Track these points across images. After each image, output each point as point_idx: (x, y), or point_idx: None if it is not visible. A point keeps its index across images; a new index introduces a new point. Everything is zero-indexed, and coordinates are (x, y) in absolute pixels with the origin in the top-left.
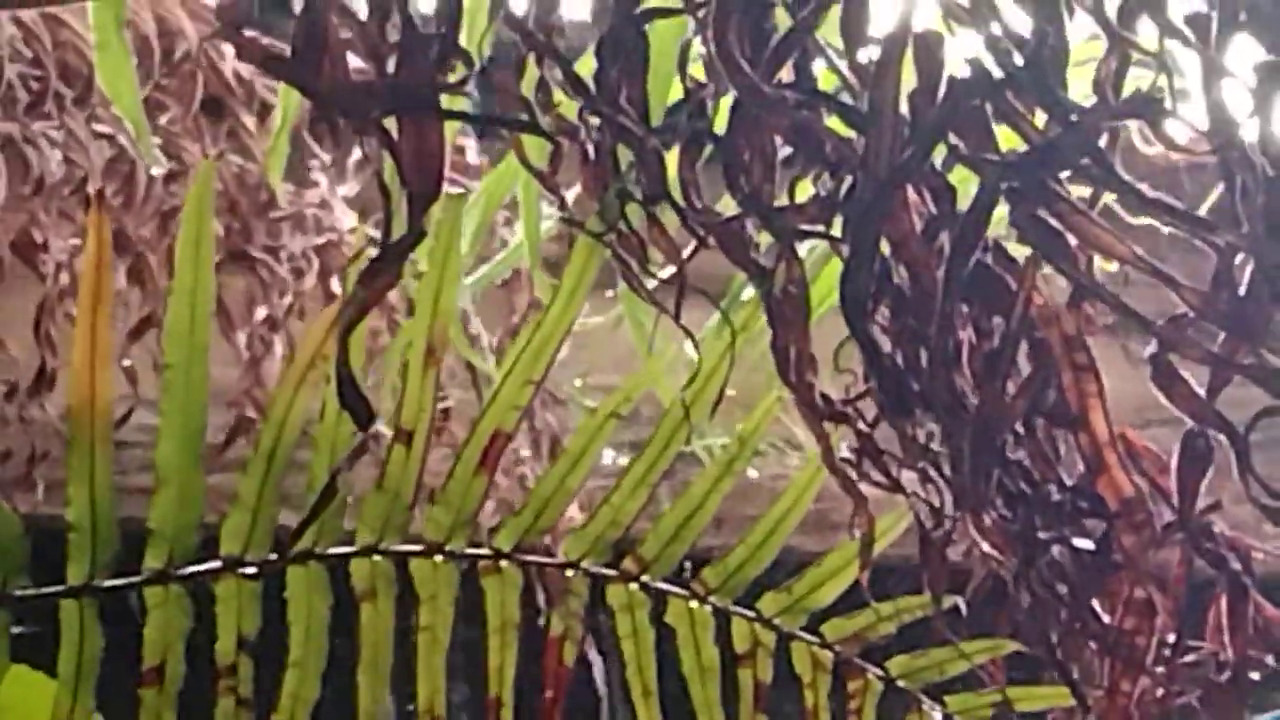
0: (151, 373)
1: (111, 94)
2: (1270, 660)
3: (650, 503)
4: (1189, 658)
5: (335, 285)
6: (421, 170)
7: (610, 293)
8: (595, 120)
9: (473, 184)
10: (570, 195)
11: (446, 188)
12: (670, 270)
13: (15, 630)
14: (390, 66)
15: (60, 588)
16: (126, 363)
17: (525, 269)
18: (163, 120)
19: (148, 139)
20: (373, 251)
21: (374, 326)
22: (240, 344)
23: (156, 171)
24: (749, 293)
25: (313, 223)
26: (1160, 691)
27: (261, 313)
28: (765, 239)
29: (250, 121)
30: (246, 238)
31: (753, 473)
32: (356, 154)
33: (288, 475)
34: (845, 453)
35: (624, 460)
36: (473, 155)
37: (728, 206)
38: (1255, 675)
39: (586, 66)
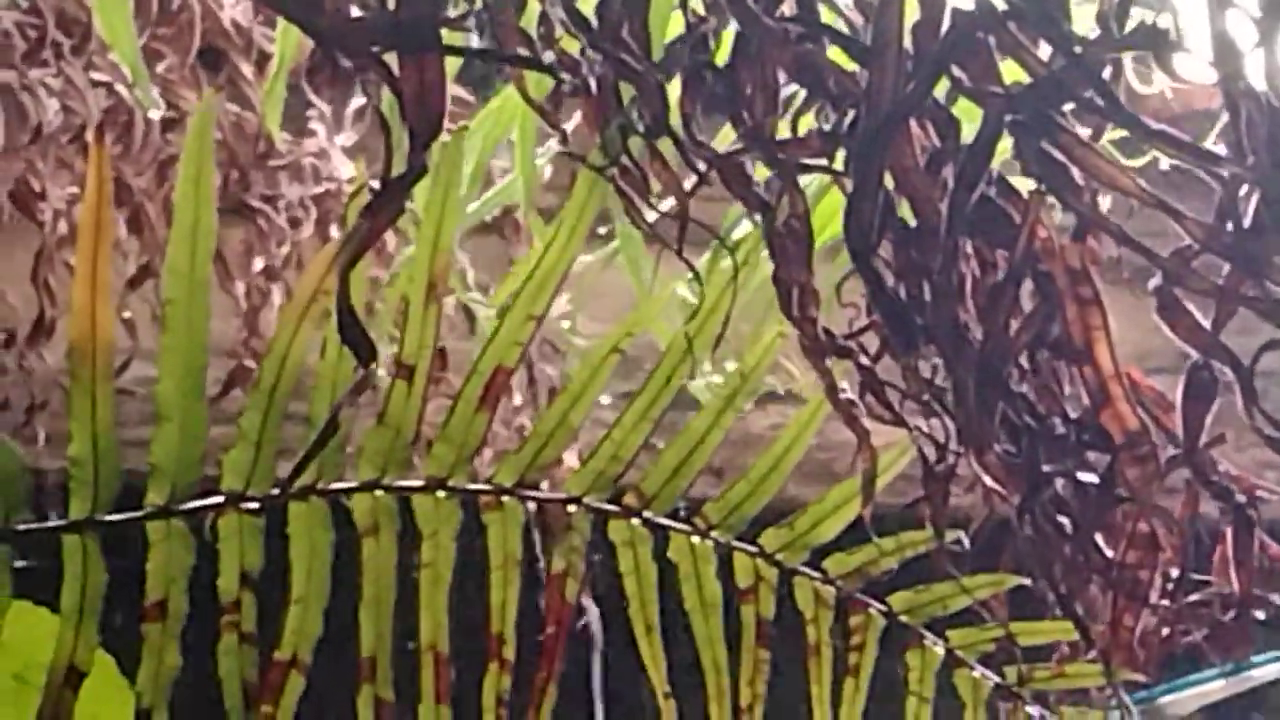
0: (151, 327)
1: (110, 39)
2: (1276, 599)
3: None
4: (1195, 596)
5: (334, 234)
6: (423, 107)
7: (603, 230)
8: (598, 55)
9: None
10: (570, 127)
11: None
12: (660, 209)
13: (18, 565)
14: (391, 2)
15: (62, 522)
16: (126, 315)
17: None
18: (160, 69)
19: (146, 83)
20: (373, 189)
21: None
22: (239, 294)
23: (154, 115)
24: (742, 230)
25: (311, 172)
26: (1165, 630)
27: (259, 263)
28: (762, 173)
29: (248, 70)
30: (244, 187)
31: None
32: (355, 103)
33: (287, 426)
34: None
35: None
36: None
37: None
38: (1260, 614)
39: (588, 2)
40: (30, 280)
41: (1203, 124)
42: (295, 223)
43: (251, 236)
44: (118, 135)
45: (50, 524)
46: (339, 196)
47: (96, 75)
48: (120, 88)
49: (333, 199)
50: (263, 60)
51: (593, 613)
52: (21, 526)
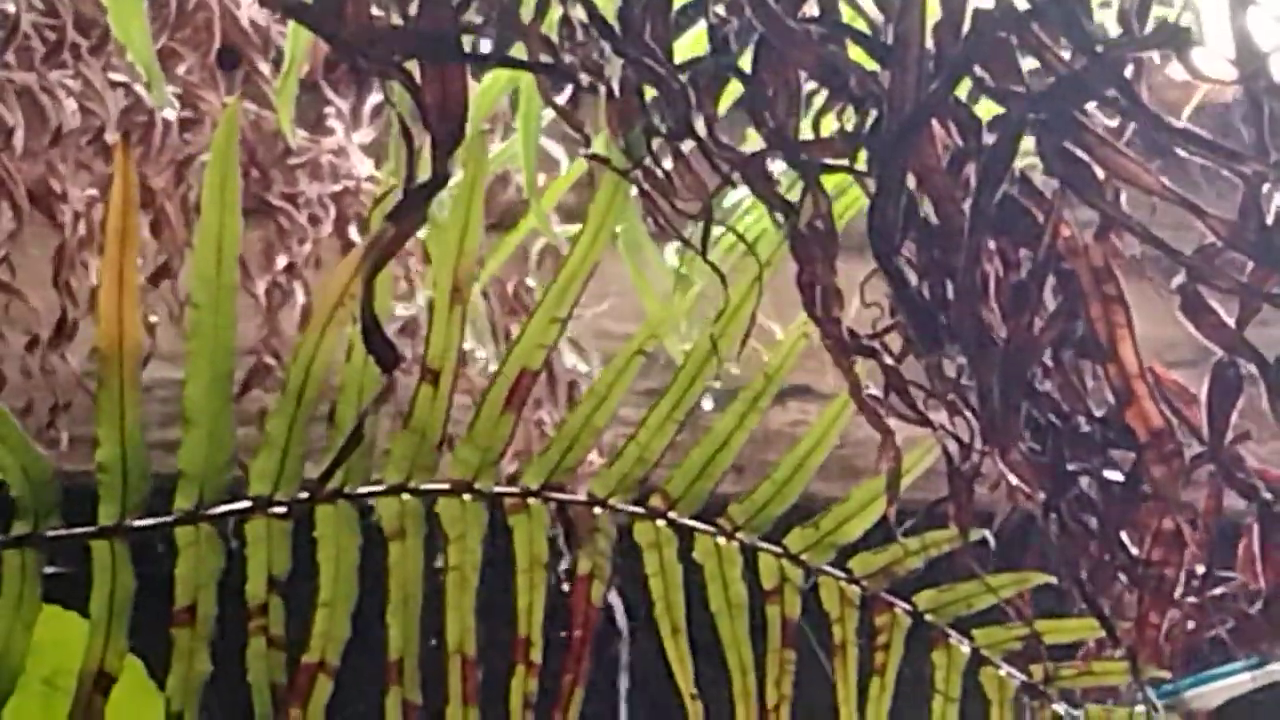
0: (169, 327)
1: (124, 40)
2: None
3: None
4: (1220, 589)
5: (353, 232)
6: (445, 114)
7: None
8: (620, 58)
9: None
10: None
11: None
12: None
13: (48, 571)
14: (412, 11)
15: (91, 528)
16: (151, 318)
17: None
18: (179, 70)
19: (160, 82)
20: (397, 194)
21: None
22: (259, 293)
23: (170, 115)
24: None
25: (329, 170)
26: (1191, 625)
27: (280, 261)
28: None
29: (266, 69)
30: (264, 186)
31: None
32: (372, 100)
33: (313, 426)
34: (873, 390)
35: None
36: None
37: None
38: None
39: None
40: (52, 283)
41: (1225, 119)
42: (315, 220)
43: (271, 235)
44: (136, 136)
45: (80, 530)
46: (357, 194)
47: (114, 75)
48: (138, 87)
49: (351, 196)
50: (280, 59)
51: (617, 607)
52: (51, 533)
